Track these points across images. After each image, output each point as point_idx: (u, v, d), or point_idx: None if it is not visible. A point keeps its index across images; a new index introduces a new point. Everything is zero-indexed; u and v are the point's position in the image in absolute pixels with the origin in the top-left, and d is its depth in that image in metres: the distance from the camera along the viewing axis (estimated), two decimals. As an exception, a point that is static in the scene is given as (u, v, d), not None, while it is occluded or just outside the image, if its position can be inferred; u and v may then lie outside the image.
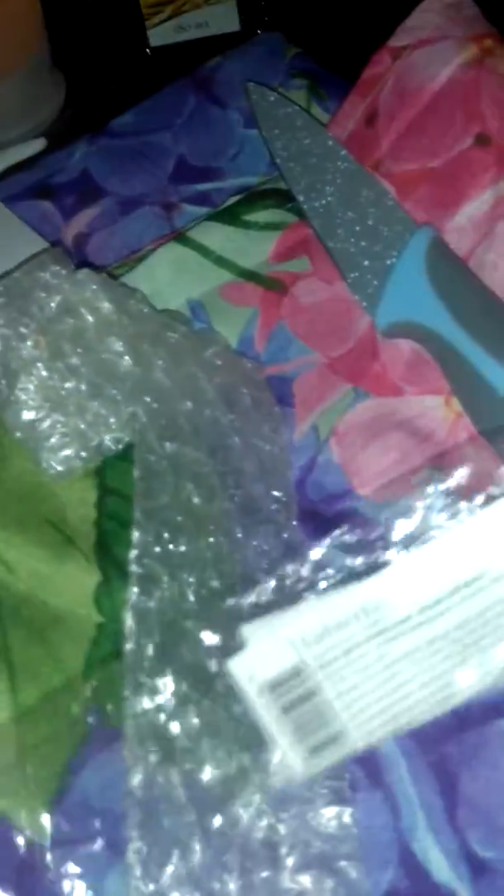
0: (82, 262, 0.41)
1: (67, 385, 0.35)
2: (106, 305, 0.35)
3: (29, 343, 0.35)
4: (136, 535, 0.32)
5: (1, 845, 0.28)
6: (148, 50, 0.52)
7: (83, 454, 0.35)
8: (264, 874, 0.28)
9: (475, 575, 0.21)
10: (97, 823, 0.29)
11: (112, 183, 0.44)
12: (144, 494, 0.32)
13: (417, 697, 0.23)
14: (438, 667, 0.22)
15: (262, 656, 0.24)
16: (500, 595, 0.21)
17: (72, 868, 0.28)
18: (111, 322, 0.35)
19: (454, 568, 0.22)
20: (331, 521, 0.34)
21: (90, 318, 0.35)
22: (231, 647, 0.24)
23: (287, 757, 0.25)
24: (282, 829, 0.28)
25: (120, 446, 0.35)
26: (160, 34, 0.51)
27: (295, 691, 0.24)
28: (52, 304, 0.35)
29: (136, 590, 0.31)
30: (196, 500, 0.32)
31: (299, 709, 0.24)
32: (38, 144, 0.49)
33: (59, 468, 0.35)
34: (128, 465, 0.35)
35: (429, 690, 0.23)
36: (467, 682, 0.22)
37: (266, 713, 0.24)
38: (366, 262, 0.37)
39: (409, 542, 0.23)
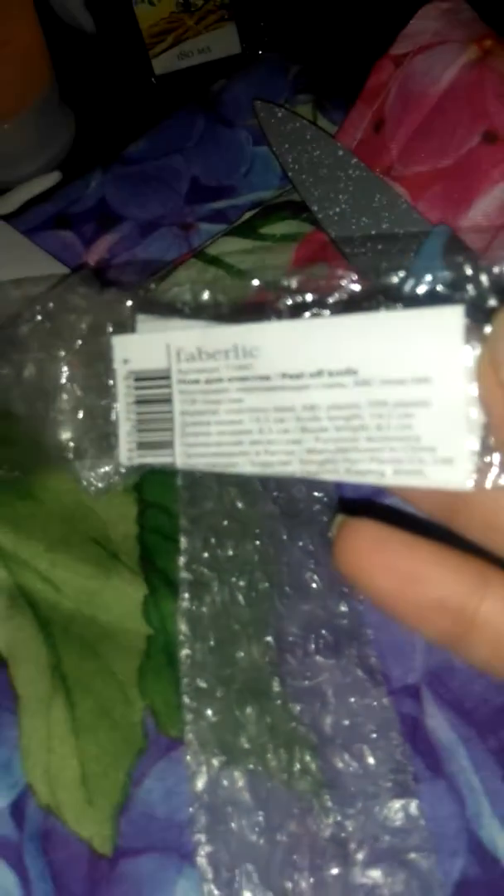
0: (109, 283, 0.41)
1: (102, 403, 0.35)
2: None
3: (62, 364, 0.35)
4: (183, 542, 0.32)
5: (69, 858, 0.29)
6: (153, 79, 0.53)
7: (122, 470, 0.35)
8: (335, 871, 0.28)
9: (343, 369, 0.21)
10: (163, 831, 0.29)
11: (129, 208, 0.45)
12: (189, 502, 0.33)
13: (242, 450, 0.23)
14: (273, 435, 0.23)
15: (141, 348, 0.25)
16: (357, 400, 0.21)
17: (141, 878, 0.28)
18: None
19: (325, 352, 0.22)
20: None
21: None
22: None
23: (120, 443, 0.26)
24: (349, 825, 0.28)
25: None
26: (164, 62, 0.52)
27: (153, 391, 0.25)
28: (83, 326, 0.36)
29: (186, 596, 0.31)
30: (240, 504, 0.32)
31: (149, 407, 0.25)
32: (53, 178, 0.50)
33: (99, 485, 0.35)
34: (165, 478, 0.36)
35: (254, 450, 0.23)
36: (286, 462, 0.23)
37: (123, 398, 0.26)
38: (383, 265, 0.37)
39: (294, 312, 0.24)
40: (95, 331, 0.36)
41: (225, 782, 0.29)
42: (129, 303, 0.28)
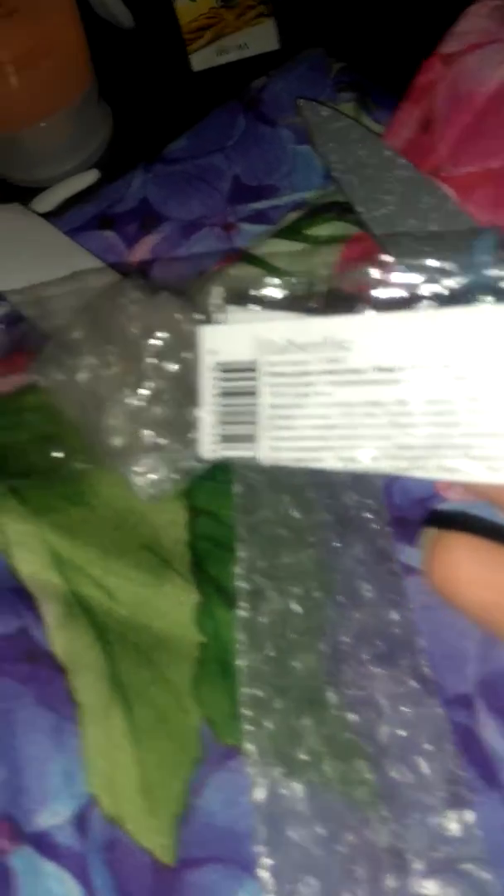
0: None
1: (155, 409, 0.35)
2: (186, 326, 0.36)
3: (115, 369, 0.35)
4: (240, 551, 0.32)
5: (133, 869, 0.29)
6: (190, 74, 0.52)
7: (173, 476, 0.35)
8: (393, 882, 0.28)
9: (439, 363, 0.21)
10: (223, 841, 0.29)
11: (171, 208, 0.45)
12: (245, 510, 0.33)
13: (328, 445, 0.23)
14: (362, 430, 0.22)
15: (229, 339, 0.25)
16: (452, 395, 0.21)
17: (205, 888, 0.29)
18: (186, 338, 0.36)
19: (421, 346, 0.22)
20: (419, 525, 0.34)
21: (172, 336, 0.36)
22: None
23: (202, 436, 0.26)
24: (406, 835, 0.29)
25: (206, 467, 0.35)
26: (202, 58, 0.52)
27: (239, 383, 0.25)
28: (135, 329, 0.36)
29: (244, 605, 0.31)
30: (295, 512, 0.32)
31: (234, 399, 0.25)
32: (91, 176, 0.50)
33: (151, 492, 0.35)
34: (215, 484, 0.36)
35: (341, 445, 0.23)
36: (375, 458, 0.22)
37: (207, 389, 0.25)
38: (438, 265, 0.37)
39: (388, 307, 0.24)
40: (147, 333, 0.36)
41: (284, 793, 0.29)
42: (219, 292, 0.27)
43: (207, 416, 0.26)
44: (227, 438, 0.25)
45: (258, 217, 0.44)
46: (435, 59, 0.40)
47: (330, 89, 0.47)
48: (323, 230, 0.41)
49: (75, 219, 0.46)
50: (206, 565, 0.34)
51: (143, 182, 0.46)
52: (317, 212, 0.42)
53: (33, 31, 0.46)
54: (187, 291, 0.37)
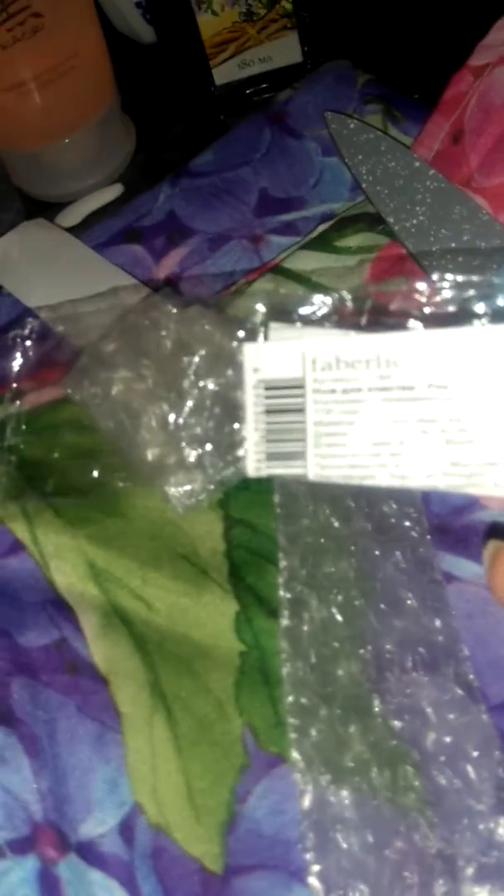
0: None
1: (189, 420, 0.35)
2: (218, 339, 0.36)
3: (150, 382, 0.35)
4: (282, 560, 0.32)
5: (181, 877, 0.29)
6: (213, 88, 0.53)
7: (209, 487, 0.35)
8: (443, 888, 0.28)
9: (495, 379, 0.21)
10: (270, 849, 0.29)
11: (198, 221, 0.45)
12: (286, 520, 0.33)
13: (380, 462, 0.23)
14: (414, 446, 0.22)
15: (274, 356, 0.25)
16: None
17: (252, 895, 0.29)
18: (225, 355, 0.36)
19: (475, 362, 0.22)
20: (459, 533, 0.34)
21: (204, 353, 0.36)
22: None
23: (247, 454, 0.26)
24: (455, 841, 0.29)
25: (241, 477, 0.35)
26: (224, 72, 0.52)
27: (285, 400, 0.25)
28: (168, 343, 0.36)
29: (287, 613, 0.31)
30: (335, 521, 0.33)
31: (280, 417, 0.25)
32: (115, 190, 0.51)
33: (187, 503, 0.35)
34: (251, 495, 0.36)
35: (393, 462, 0.23)
36: (429, 475, 0.22)
37: (252, 406, 0.25)
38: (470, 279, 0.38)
39: (434, 322, 0.24)
40: (182, 347, 0.36)
41: (332, 800, 0.29)
42: (262, 309, 0.27)
43: (252, 433, 0.26)
44: (274, 456, 0.25)
45: (286, 229, 0.45)
46: (465, 72, 0.40)
47: (357, 101, 0.47)
48: (353, 241, 0.41)
49: (101, 233, 0.46)
50: (243, 574, 0.35)
51: (169, 196, 0.47)
52: (346, 223, 0.42)
53: (57, 49, 0.46)
54: (220, 305, 0.38)
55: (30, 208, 0.51)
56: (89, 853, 0.30)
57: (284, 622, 0.31)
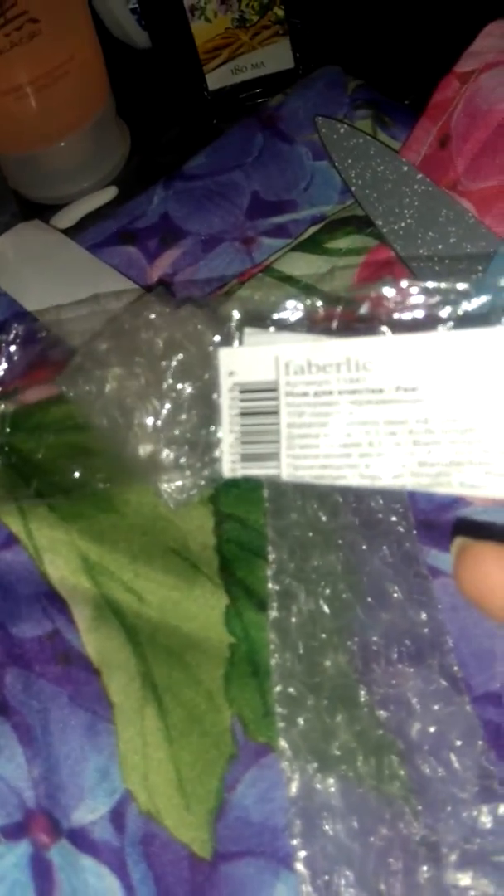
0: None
1: (181, 417, 0.36)
2: (209, 339, 0.37)
3: (142, 380, 0.36)
4: (270, 553, 0.33)
5: (170, 863, 0.29)
6: (206, 94, 0.54)
7: (200, 482, 0.36)
8: (428, 873, 0.29)
9: (461, 382, 0.22)
10: (259, 836, 0.30)
11: (191, 223, 0.46)
12: (275, 514, 0.33)
13: (350, 463, 0.24)
14: (383, 448, 0.23)
15: (247, 360, 0.26)
16: (474, 413, 0.22)
17: (242, 881, 0.29)
18: (212, 362, 0.37)
19: (443, 366, 0.22)
20: (444, 529, 0.35)
21: (196, 352, 0.37)
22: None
23: (223, 455, 0.26)
24: (440, 828, 0.29)
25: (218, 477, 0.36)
26: (217, 77, 0.53)
27: (258, 403, 0.25)
28: (160, 342, 0.37)
29: (275, 605, 0.32)
30: (322, 516, 0.33)
31: (254, 419, 0.26)
32: (110, 193, 0.51)
33: (178, 498, 0.36)
34: (240, 491, 0.37)
35: (363, 462, 0.23)
36: (397, 475, 0.23)
37: (227, 409, 0.26)
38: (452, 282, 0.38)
39: (406, 328, 0.24)
40: (174, 347, 0.37)
41: (318, 788, 0.29)
42: (237, 315, 0.28)
43: (228, 435, 0.27)
44: (248, 457, 0.26)
45: (278, 231, 0.45)
46: (451, 77, 0.41)
47: (347, 106, 0.48)
48: (342, 243, 0.42)
49: (96, 235, 0.47)
50: (233, 568, 0.35)
51: (163, 198, 0.47)
52: (336, 225, 0.43)
53: (53, 53, 0.47)
54: (212, 305, 0.38)
55: (25, 210, 0.52)
56: (81, 839, 0.30)
57: (273, 614, 0.32)
